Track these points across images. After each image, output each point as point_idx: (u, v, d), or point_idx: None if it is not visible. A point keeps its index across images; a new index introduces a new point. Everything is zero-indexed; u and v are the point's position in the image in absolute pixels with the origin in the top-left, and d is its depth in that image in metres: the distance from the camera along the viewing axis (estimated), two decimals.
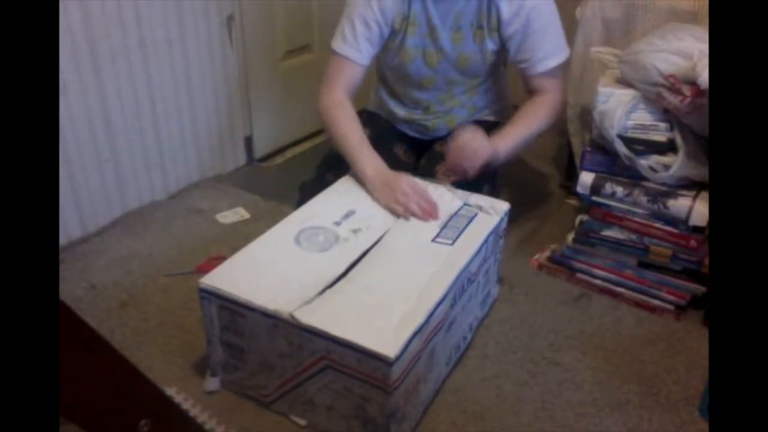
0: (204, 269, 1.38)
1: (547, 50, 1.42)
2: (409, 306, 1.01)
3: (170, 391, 1.15)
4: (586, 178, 1.40)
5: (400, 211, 1.26)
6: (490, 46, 1.44)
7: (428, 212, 1.26)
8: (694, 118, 1.27)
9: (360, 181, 1.35)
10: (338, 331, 0.95)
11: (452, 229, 1.22)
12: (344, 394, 1.01)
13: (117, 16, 1.52)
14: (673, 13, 1.53)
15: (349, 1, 1.43)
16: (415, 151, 1.63)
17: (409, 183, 1.29)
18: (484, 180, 1.47)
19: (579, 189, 1.41)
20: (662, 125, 1.32)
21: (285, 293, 1.02)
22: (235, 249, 1.16)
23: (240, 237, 1.60)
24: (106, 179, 1.64)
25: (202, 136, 1.87)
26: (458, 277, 1.10)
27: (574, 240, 1.46)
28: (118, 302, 1.39)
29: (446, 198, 1.32)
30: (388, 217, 1.25)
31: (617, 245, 1.41)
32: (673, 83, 1.25)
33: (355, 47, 1.42)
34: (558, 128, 1.90)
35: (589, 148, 1.42)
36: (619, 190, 1.36)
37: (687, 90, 1.23)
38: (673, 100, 1.25)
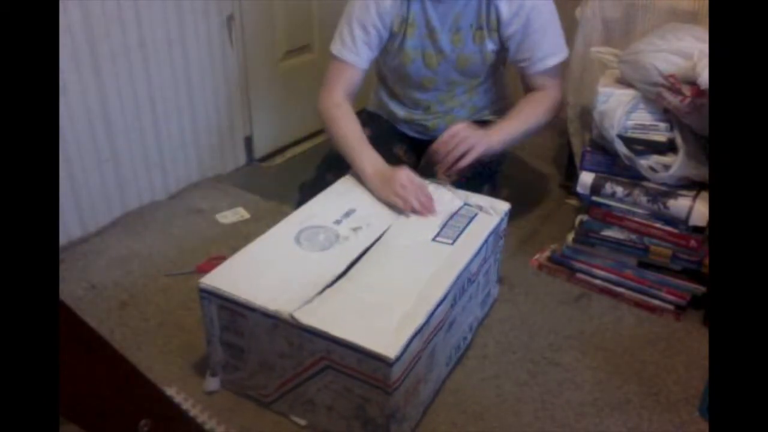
0: (204, 269, 1.38)
1: (547, 50, 1.43)
2: (409, 306, 1.01)
3: (170, 391, 1.15)
4: (586, 178, 1.40)
5: (399, 204, 1.26)
6: (490, 46, 1.44)
7: (426, 207, 1.26)
8: (694, 118, 1.27)
9: (360, 180, 1.36)
10: (338, 332, 0.95)
11: (452, 228, 1.22)
12: (344, 394, 1.01)
13: (117, 16, 1.52)
14: (673, 13, 1.53)
15: (347, 4, 1.43)
16: (416, 151, 1.63)
17: (407, 176, 1.29)
18: (484, 180, 1.48)
19: (579, 189, 1.41)
20: (662, 125, 1.32)
21: (285, 293, 1.02)
22: (235, 249, 1.16)
23: (240, 237, 1.60)
24: (106, 179, 1.64)
25: (202, 136, 1.87)
26: (458, 277, 1.10)
27: (574, 240, 1.46)
28: (118, 302, 1.39)
29: (446, 198, 1.32)
30: (389, 216, 1.25)
31: (617, 245, 1.41)
32: (673, 83, 1.25)
33: (354, 51, 1.42)
34: (558, 128, 1.91)
35: (589, 148, 1.41)
36: (619, 190, 1.36)
37: (687, 90, 1.23)
38: (673, 100, 1.25)
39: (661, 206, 1.32)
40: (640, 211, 1.36)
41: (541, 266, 1.54)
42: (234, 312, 1.05)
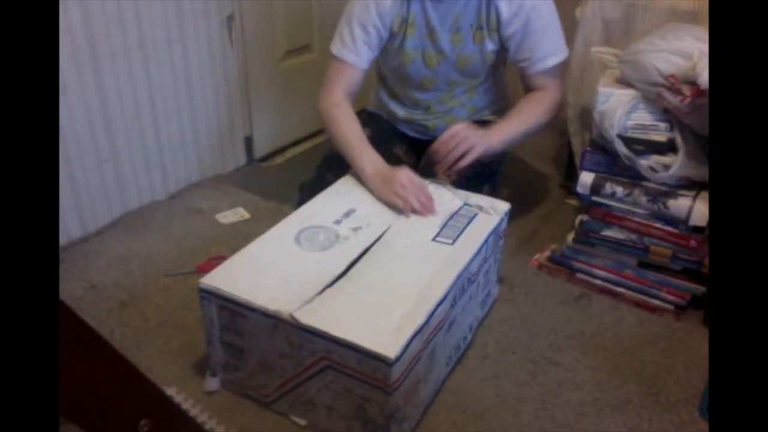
0: (204, 269, 1.38)
1: (547, 49, 1.43)
2: (409, 306, 1.01)
3: (170, 391, 1.15)
4: (586, 178, 1.40)
5: (399, 204, 1.26)
6: (490, 46, 1.44)
7: (426, 207, 1.26)
8: (694, 118, 1.27)
9: (360, 180, 1.36)
10: (338, 332, 0.95)
11: (453, 228, 1.22)
12: (344, 394, 1.01)
13: (117, 16, 1.52)
14: (673, 13, 1.53)
15: (347, 4, 1.43)
16: (416, 151, 1.63)
17: (407, 176, 1.29)
18: (484, 180, 1.48)
19: (579, 189, 1.41)
20: (662, 125, 1.32)
21: (285, 293, 1.02)
22: (235, 249, 1.16)
23: (240, 237, 1.60)
24: (106, 179, 1.64)
25: (202, 136, 1.87)
26: (458, 278, 1.10)
27: (574, 240, 1.46)
28: (118, 302, 1.39)
29: (446, 198, 1.32)
30: (389, 216, 1.25)
31: (617, 245, 1.41)
32: (673, 83, 1.25)
33: (354, 51, 1.42)
34: (558, 128, 1.91)
35: (589, 148, 1.41)
36: (619, 190, 1.36)
37: (687, 90, 1.23)
38: (673, 100, 1.25)
39: (661, 206, 1.32)
40: (640, 211, 1.36)
41: (541, 266, 1.54)
42: (234, 312, 1.05)
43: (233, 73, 1.89)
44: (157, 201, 1.79)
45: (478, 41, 1.44)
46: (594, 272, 1.46)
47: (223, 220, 1.72)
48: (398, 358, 0.93)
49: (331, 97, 1.44)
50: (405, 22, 1.43)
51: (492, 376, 1.22)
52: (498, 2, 1.38)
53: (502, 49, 1.47)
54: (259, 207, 1.79)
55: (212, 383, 1.16)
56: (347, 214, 1.25)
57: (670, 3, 1.54)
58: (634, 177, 1.35)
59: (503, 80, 1.64)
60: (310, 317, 0.98)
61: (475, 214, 1.27)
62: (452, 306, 1.11)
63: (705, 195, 1.30)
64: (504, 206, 1.31)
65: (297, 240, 1.17)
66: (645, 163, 1.32)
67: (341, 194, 1.33)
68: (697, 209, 1.29)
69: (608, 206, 1.39)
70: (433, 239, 1.19)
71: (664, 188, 1.33)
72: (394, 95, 1.63)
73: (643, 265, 1.40)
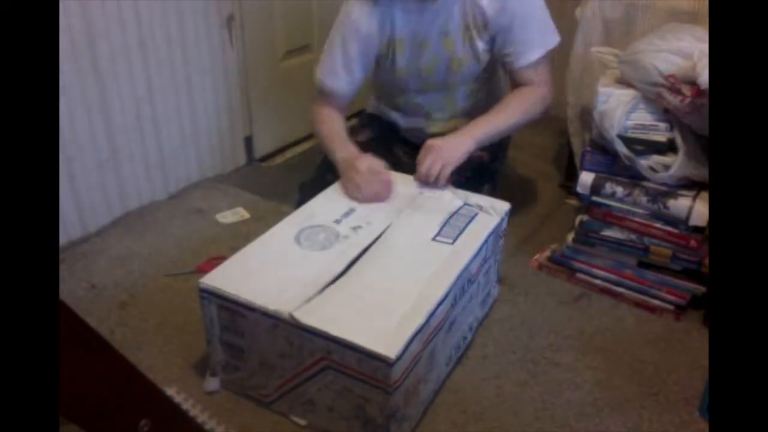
0: (204, 269, 1.38)
1: (530, 43, 1.40)
2: (409, 306, 1.01)
3: (170, 391, 1.15)
4: (586, 178, 1.40)
5: (353, 190, 1.29)
6: (481, 45, 1.43)
7: (378, 195, 1.28)
8: (694, 118, 1.28)
9: None
10: (338, 332, 0.95)
11: (453, 228, 1.22)
12: (344, 394, 1.01)
13: (117, 16, 1.52)
14: (673, 13, 1.53)
15: (331, 31, 1.44)
16: (416, 152, 1.62)
17: (367, 162, 1.31)
18: (484, 180, 1.48)
19: (579, 189, 1.41)
20: (662, 125, 1.32)
21: (285, 293, 1.02)
22: (235, 249, 1.16)
23: (240, 237, 1.60)
24: (106, 179, 1.64)
25: (202, 136, 1.87)
26: (459, 278, 1.10)
27: (574, 240, 1.46)
28: (118, 302, 1.39)
29: (446, 198, 1.32)
30: (389, 215, 1.25)
31: (617, 245, 1.41)
32: (673, 83, 1.25)
33: (340, 77, 1.45)
34: (558, 128, 1.91)
35: (589, 148, 1.42)
36: (619, 190, 1.36)
37: (687, 90, 1.23)
38: (673, 100, 1.25)
39: (661, 206, 1.32)
40: (640, 211, 1.36)
41: (541, 266, 1.54)
42: (234, 312, 1.05)
43: (233, 73, 1.89)
44: (157, 201, 1.79)
45: (468, 42, 1.43)
46: (594, 272, 1.46)
47: (223, 220, 1.72)
48: (398, 358, 0.93)
49: (320, 109, 1.50)
50: (392, 41, 1.43)
51: (492, 376, 1.22)
52: (479, 1, 1.37)
53: (494, 48, 1.45)
54: (259, 207, 1.79)
55: (212, 383, 1.16)
56: (347, 214, 1.25)
57: (670, 3, 1.54)
58: (634, 177, 1.35)
59: (501, 84, 1.63)
60: (310, 317, 0.98)
61: (475, 214, 1.27)
62: (452, 306, 1.11)
63: (705, 195, 1.30)
64: (504, 206, 1.31)
65: (297, 240, 1.17)
66: (645, 163, 1.32)
67: (341, 194, 1.33)
68: (697, 209, 1.29)
69: (608, 206, 1.39)
70: (433, 239, 1.19)
71: (664, 188, 1.33)
72: (393, 106, 1.62)
73: (643, 265, 1.40)
